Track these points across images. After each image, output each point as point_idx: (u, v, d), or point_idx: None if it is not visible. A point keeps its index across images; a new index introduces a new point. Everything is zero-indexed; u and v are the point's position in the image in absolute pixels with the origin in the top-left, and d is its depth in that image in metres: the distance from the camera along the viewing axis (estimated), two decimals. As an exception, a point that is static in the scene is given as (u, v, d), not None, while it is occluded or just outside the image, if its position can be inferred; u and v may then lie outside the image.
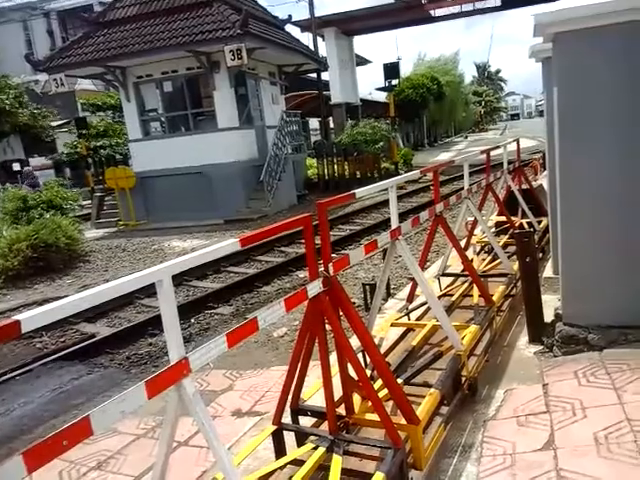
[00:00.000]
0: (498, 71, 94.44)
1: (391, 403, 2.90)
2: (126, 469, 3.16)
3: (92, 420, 1.51)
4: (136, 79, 14.95)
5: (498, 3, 26.10)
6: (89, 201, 17.88)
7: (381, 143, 19.58)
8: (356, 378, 2.65)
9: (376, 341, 3.77)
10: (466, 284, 4.96)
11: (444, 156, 30.04)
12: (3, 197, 12.37)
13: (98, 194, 16.64)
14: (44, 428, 4.11)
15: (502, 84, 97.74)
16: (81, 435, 1.51)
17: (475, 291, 4.47)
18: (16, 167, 21.65)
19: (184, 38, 13.32)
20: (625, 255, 3.49)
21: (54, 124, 24.81)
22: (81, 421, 1.49)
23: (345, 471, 2.49)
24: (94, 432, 1.53)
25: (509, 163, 7.00)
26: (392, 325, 4.17)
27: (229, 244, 2.02)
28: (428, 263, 6.81)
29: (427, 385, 3.13)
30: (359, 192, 3.06)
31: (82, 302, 1.50)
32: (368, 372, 3.10)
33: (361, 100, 30.26)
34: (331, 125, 27.50)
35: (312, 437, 2.74)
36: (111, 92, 24.47)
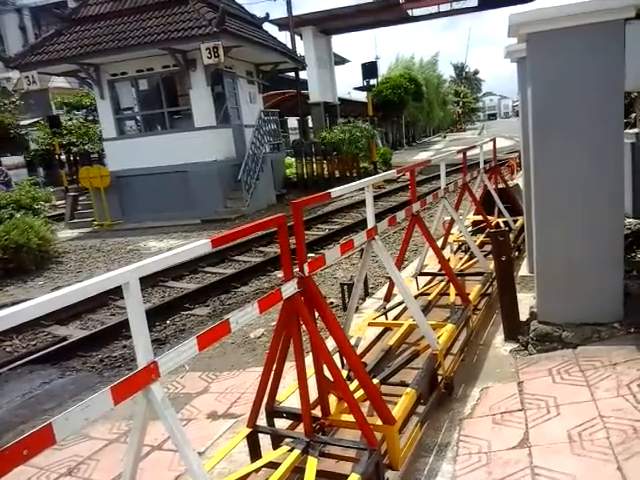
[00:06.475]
0: (476, 72, 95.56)
1: (367, 404, 2.88)
2: (97, 475, 3.09)
3: (55, 428, 1.45)
4: (110, 77, 14.69)
5: (475, 4, 26.36)
6: (63, 201, 17.50)
7: (360, 142, 19.59)
8: (332, 379, 2.62)
9: (353, 341, 3.76)
10: (443, 283, 4.98)
11: (423, 155, 30.26)
12: None
13: (72, 194, 16.29)
14: (13, 434, 3.99)
15: (480, 84, 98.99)
16: (43, 444, 1.44)
17: (452, 290, 4.49)
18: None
19: (159, 36, 13.13)
20: (598, 254, 3.54)
21: (26, 122, 24.23)
22: (43, 429, 1.43)
23: (321, 473, 2.47)
24: (57, 440, 1.47)
25: (485, 162, 7.07)
26: (369, 325, 4.16)
27: (199, 245, 1.98)
28: (406, 262, 6.84)
29: (404, 384, 3.12)
30: (335, 192, 3.03)
31: (40, 308, 1.43)
32: (345, 373, 3.09)
33: (340, 99, 30.25)
34: (310, 124, 27.45)
35: (287, 439, 2.71)
36: (86, 90, 23.98)
